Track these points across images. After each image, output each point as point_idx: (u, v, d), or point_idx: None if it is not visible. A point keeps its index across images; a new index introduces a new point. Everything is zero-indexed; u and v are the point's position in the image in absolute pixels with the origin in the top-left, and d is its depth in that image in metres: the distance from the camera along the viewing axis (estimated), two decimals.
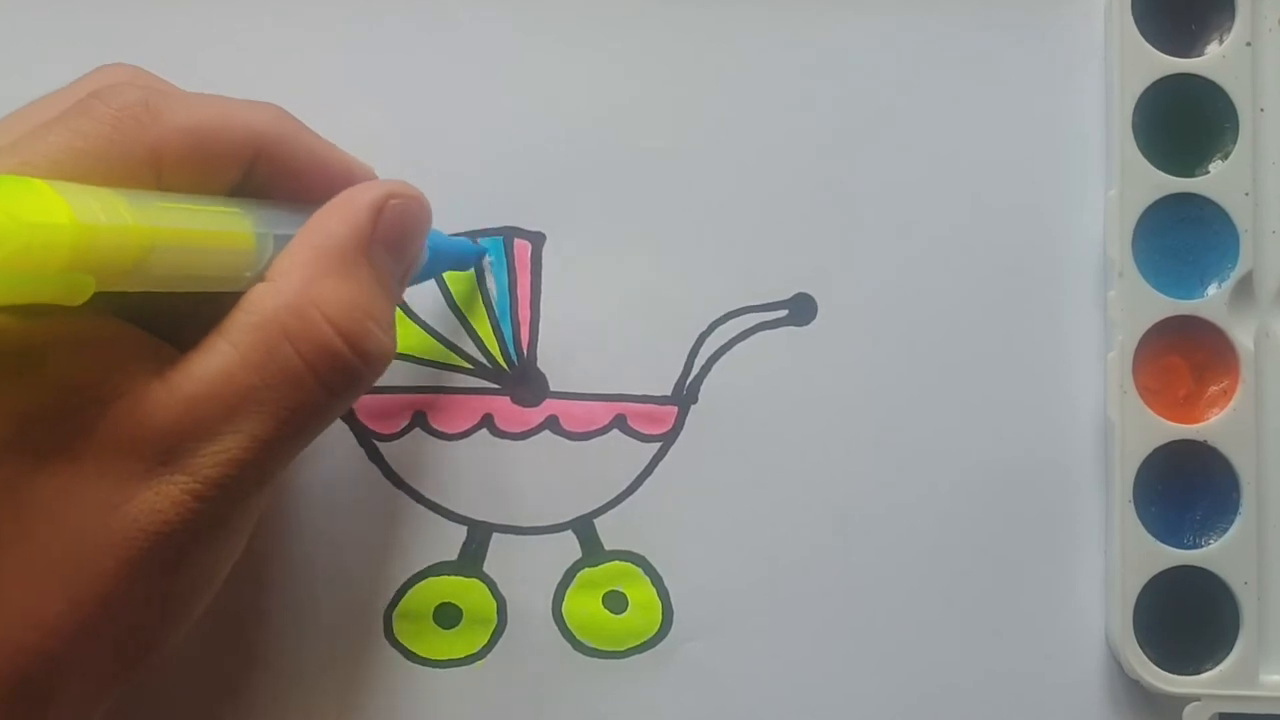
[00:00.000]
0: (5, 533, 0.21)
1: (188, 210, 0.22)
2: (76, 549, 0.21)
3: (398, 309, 0.31)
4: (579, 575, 0.31)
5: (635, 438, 0.31)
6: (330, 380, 0.23)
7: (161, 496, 0.21)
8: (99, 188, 0.20)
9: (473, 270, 0.31)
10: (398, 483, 0.31)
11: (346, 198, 0.25)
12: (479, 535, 0.31)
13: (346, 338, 0.23)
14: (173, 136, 0.22)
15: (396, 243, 0.25)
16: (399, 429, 0.31)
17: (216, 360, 0.22)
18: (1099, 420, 0.31)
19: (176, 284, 0.21)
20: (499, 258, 0.31)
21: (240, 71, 0.31)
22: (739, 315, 0.31)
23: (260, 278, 0.23)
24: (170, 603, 0.23)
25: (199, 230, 0.22)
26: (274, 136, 0.24)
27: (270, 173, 0.24)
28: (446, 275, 0.31)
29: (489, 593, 0.31)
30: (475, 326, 0.31)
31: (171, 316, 0.23)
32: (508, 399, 0.31)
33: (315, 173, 0.25)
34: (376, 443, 0.31)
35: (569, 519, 0.31)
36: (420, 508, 0.31)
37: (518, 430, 0.31)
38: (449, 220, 0.31)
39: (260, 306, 0.23)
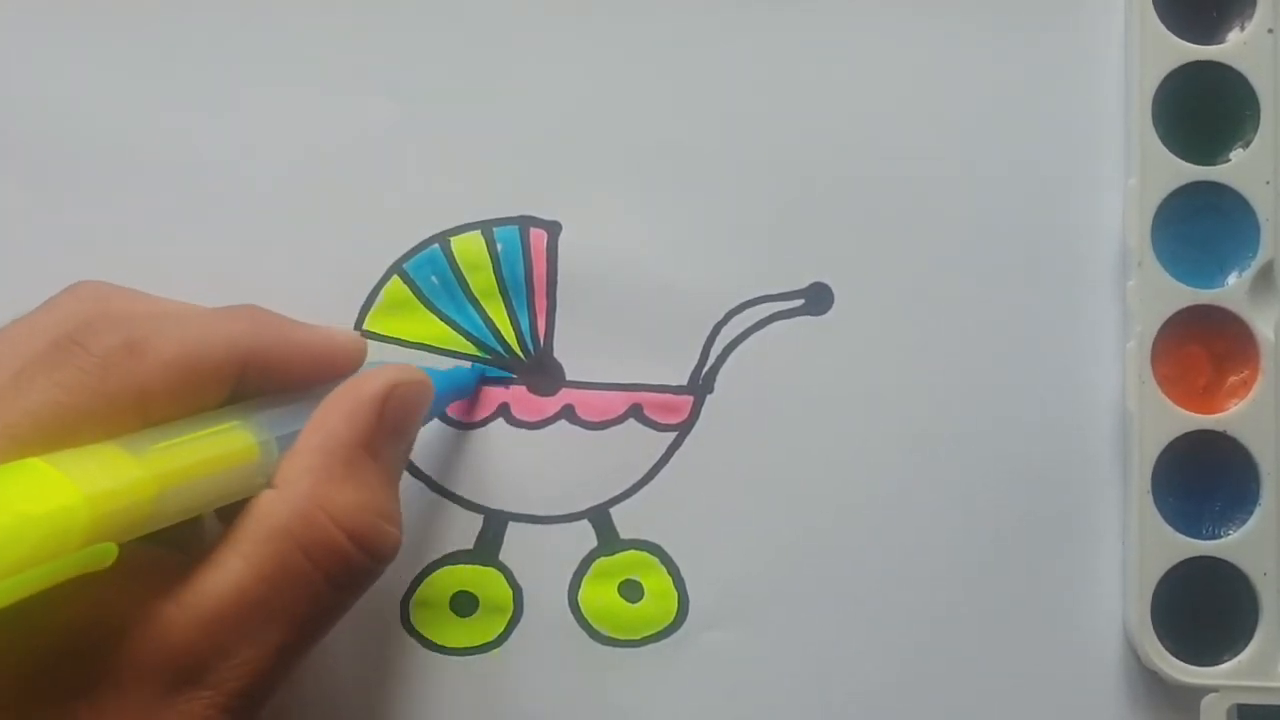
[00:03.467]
0: None
1: (189, 442, 0.22)
2: None
3: (415, 299, 0.31)
4: (595, 564, 0.31)
5: (651, 427, 0.31)
6: (342, 581, 0.23)
7: (186, 715, 0.21)
8: (95, 446, 0.20)
9: (490, 264, 0.31)
10: (414, 471, 0.31)
11: (351, 391, 0.25)
12: (495, 524, 0.31)
13: (357, 540, 0.23)
14: (159, 373, 0.22)
15: (402, 431, 0.25)
16: None
17: (229, 576, 0.22)
18: (1117, 410, 0.31)
19: (191, 512, 0.22)
20: (515, 247, 0.31)
21: (250, 67, 0.31)
22: (755, 305, 0.31)
23: (268, 483, 0.23)
24: None
25: (204, 459, 0.22)
26: (257, 342, 0.24)
27: (259, 375, 0.24)
28: (462, 262, 0.31)
29: (505, 581, 0.31)
30: (492, 316, 0.31)
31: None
32: (524, 388, 0.31)
33: (303, 361, 0.25)
34: None
35: (585, 508, 0.31)
36: (437, 496, 0.31)
37: (534, 419, 0.31)
38: (466, 210, 0.31)
39: (269, 516, 0.23)
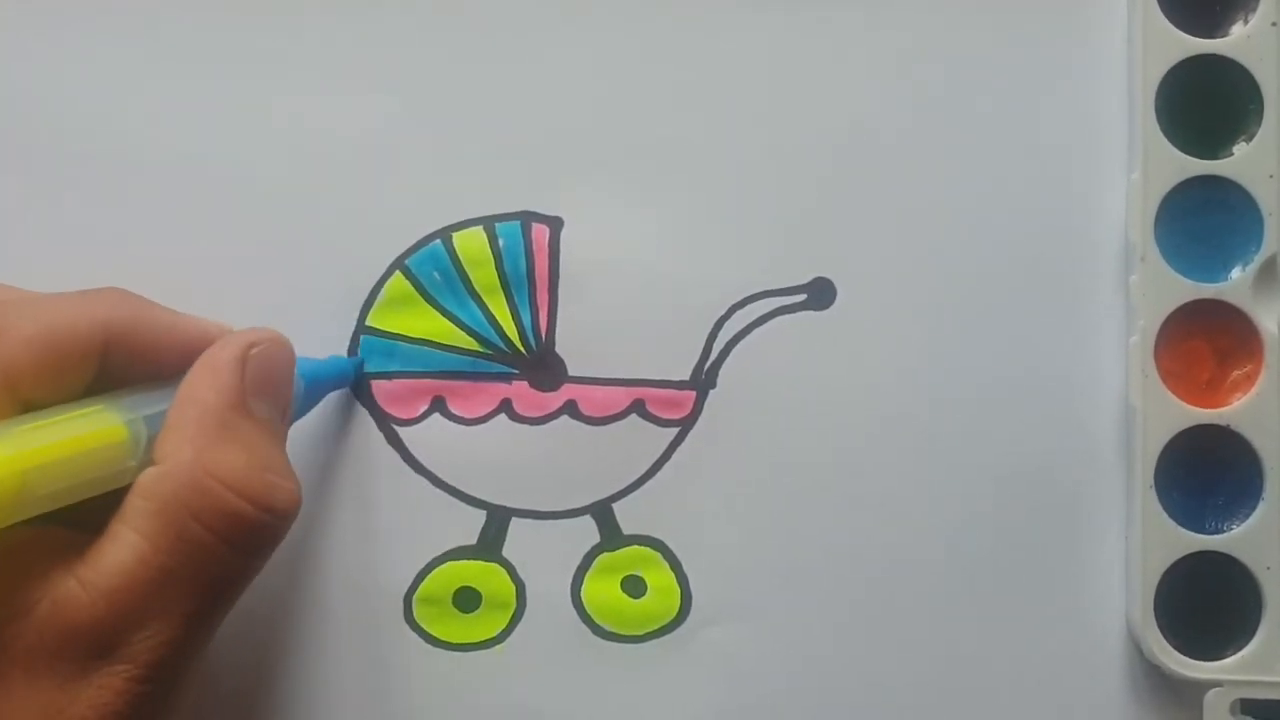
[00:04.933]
0: None
1: (54, 424, 0.22)
2: None
3: (417, 294, 0.31)
4: (598, 560, 0.31)
5: (654, 422, 0.31)
6: (244, 544, 0.23)
7: (105, 690, 0.21)
8: None
9: (492, 260, 0.31)
10: (417, 468, 0.31)
11: (208, 361, 0.25)
12: (498, 520, 0.31)
13: (252, 500, 0.23)
14: (20, 351, 0.22)
15: (267, 389, 0.25)
16: (418, 414, 0.31)
17: (127, 551, 0.22)
18: (1121, 405, 0.31)
19: (63, 497, 0.21)
20: (517, 243, 0.31)
21: (251, 64, 0.31)
22: (757, 300, 0.31)
23: (145, 463, 0.23)
24: None
25: (70, 438, 0.22)
26: (120, 322, 0.24)
27: (125, 357, 0.24)
28: (464, 258, 0.31)
29: (508, 577, 0.31)
30: (494, 311, 0.31)
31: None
32: (526, 384, 0.31)
33: (170, 345, 0.25)
34: (396, 428, 0.31)
35: (588, 503, 0.31)
36: (439, 492, 0.31)
37: (536, 415, 0.31)
38: (468, 205, 0.31)
39: (158, 491, 0.23)
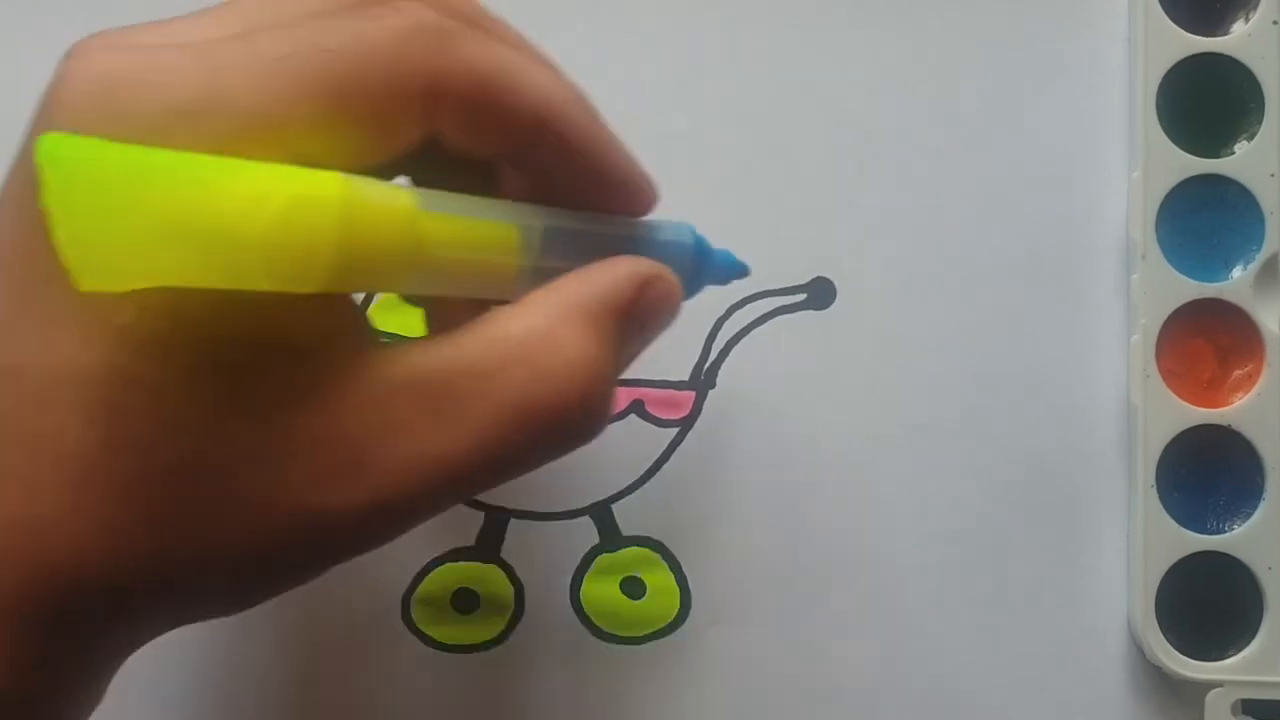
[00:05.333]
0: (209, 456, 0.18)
1: (467, 207, 0.20)
2: (254, 495, 0.19)
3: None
4: (597, 561, 0.31)
5: (653, 423, 0.31)
6: (536, 425, 0.20)
7: (321, 482, 0.19)
8: (372, 182, 0.18)
9: None
10: None
11: (614, 263, 0.22)
12: (497, 521, 0.31)
13: (581, 391, 0.20)
14: (458, 79, 0.19)
15: (644, 325, 0.22)
16: None
17: (436, 360, 0.19)
18: (1122, 405, 0.31)
19: (439, 285, 0.20)
20: None
21: None
22: (757, 299, 0.31)
23: (510, 294, 0.21)
24: (271, 588, 0.21)
25: (474, 235, 0.20)
26: (563, 111, 0.21)
27: (545, 154, 0.21)
28: None
29: (507, 578, 0.31)
30: None
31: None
32: None
33: (593, 169, 0.22)
34: None
35: (587, 504, 0.31)
36: None
37: None
38: None
39: (504, 324, 0.20)
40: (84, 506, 0.18)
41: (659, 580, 0.31)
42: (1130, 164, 0.31)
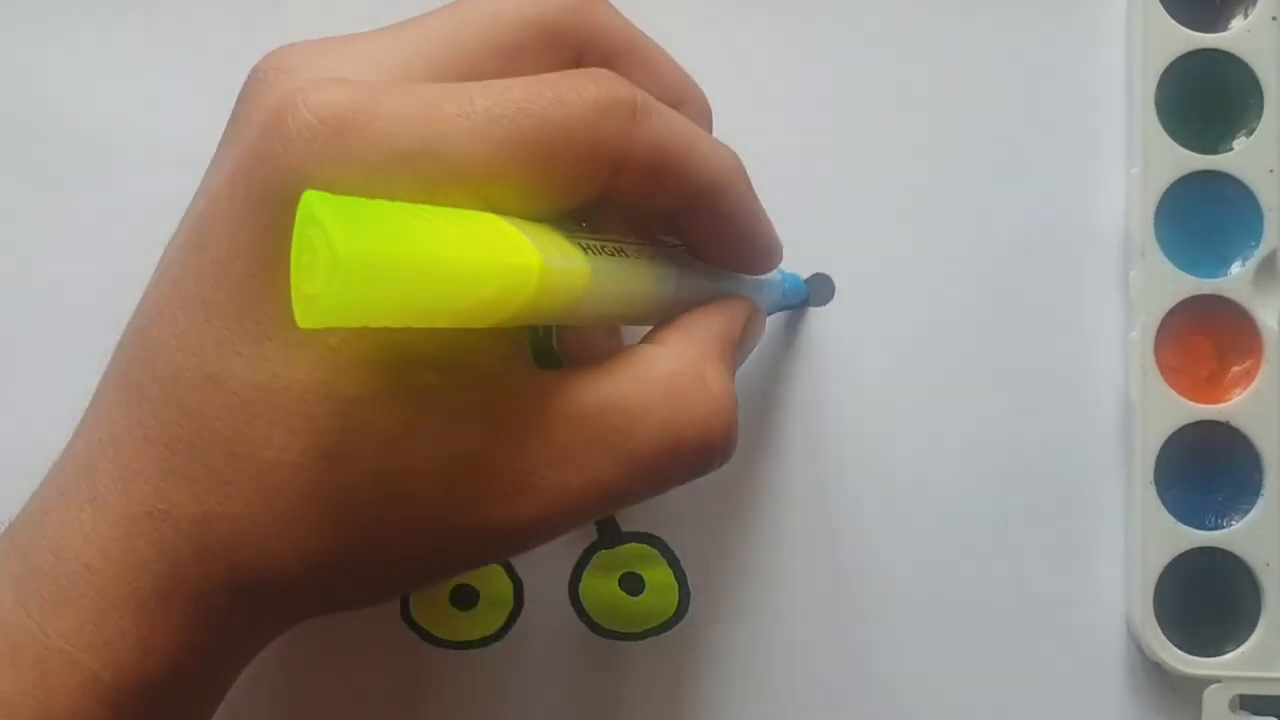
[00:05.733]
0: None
1: (619, 250, 0.22)
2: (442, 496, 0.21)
3: None
4: (596, 557, 0.31)
5: None
6: (684, 453, 0.22)
7: (505, 507, 0.21)
8: (536, 225, 0.20)
9: None
10: None
11: (728, 303, 0.25)
12: None
13: (721, 417, 0.22)
14: (643, 153, 0.21)
15: (744, 355, 0.25)
16: None
17: (596, 394, 0.21)
18: (1120, 401, 0.31)
19: (596, 318, 0.22)
20: None
21: (249, 60, 0.31)
22: None
23: (652, 327, 0.24)
24: (418, 585, 0.24)
25: (625, 272, 0.22)
26: (727, 187, 0.23)
27: (701, 217, 0.24)
28: None
29: (506, 575, 0.31)
30: None
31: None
32: None
33: (739, 238, 0.25)
34: None
35: None
36: None
37: None
38: None
39: (651, 363, 0.22)
40: (277, 510, 0.20)
41: (658, 577, 0.31)
42: (1129, 160, 0.31)
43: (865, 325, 0.31)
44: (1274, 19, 0.30)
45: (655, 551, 0.31)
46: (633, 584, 0.31)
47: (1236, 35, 0.30)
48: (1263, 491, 0.30)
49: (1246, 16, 0.31)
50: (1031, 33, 0.32)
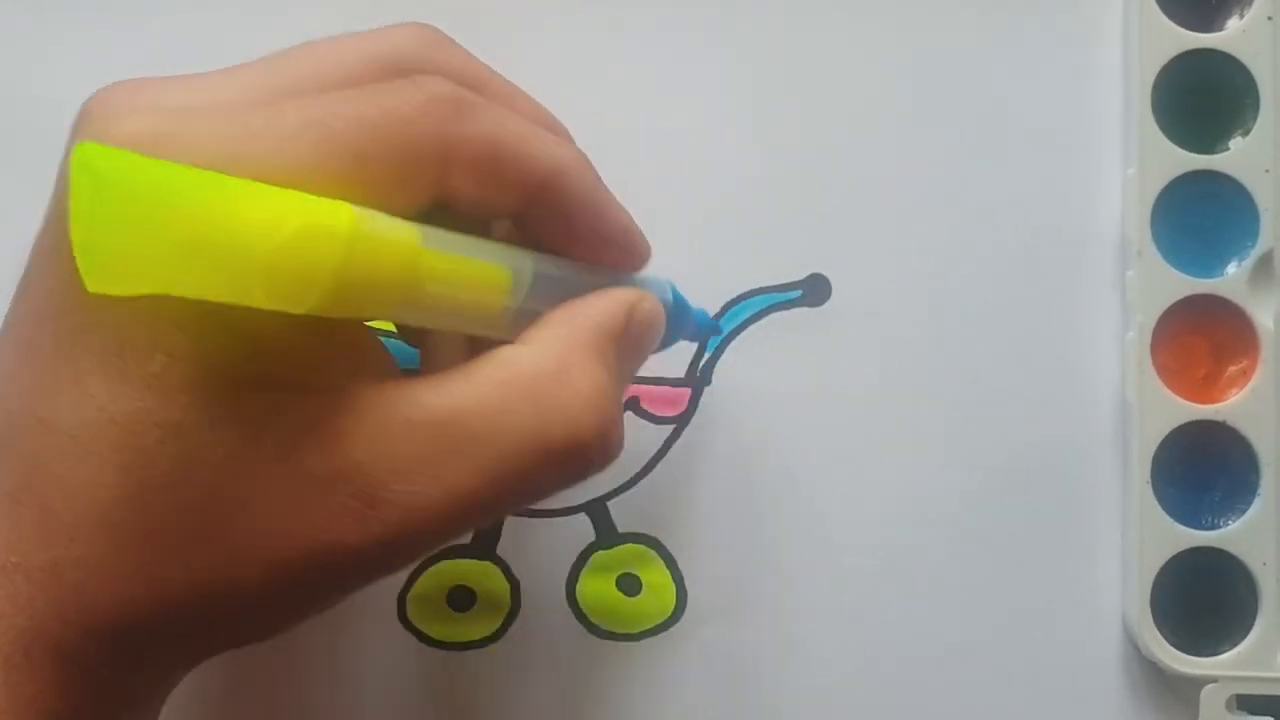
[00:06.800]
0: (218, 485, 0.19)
1: (466, 246, 0.20)
2: (261, 528, 0.19)
3: None
4: (592, 558, 0.31)
5: (649, 419, 0.31)
6: (553, 457, 0.21)
7: (337, 518, 0.20)
8: (395, 221, 0.19)
9: None
10: None
11: (602, 294, 0.23)
12: None
13: (598, 421, 0.21)
14: (471, 146, 0.21)
15: (636, 347, 0.24)
16: None
17: (449, 399, 0.20)
18: (1117, 401, 0.31)
19: (431, 317, 0.20)
20: None
21: (243, 55, 0.31)
22: (753, 296, 0.31)
23: (507, 331, 0.22)
24: (293, 616, 0.21)
25: (471, 272, 0.20)
26: (568, 176, 0.22)
27: (546, 212, 0.23)
28: None
29: (502, 576, 0.31)
30: None
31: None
32: None
33: (590, 228, 0.23)
34: None
35: (582, 501, 0.31)
36: None
37: None
38: None
39: (514, 362, 0.21)
40: (122, 549, 0.19)
41: (654, 577, 0.31)
42: (1126, 160, 0.31)
43: (862, 325, 0.31)
44: (1269, 19, 0.30)
45: (652, 552, 0.31)
46: (630, 585, 0.31)
47: (1232, 35, 0.30)
48: (1259, 491, 0.30)
49: (1242, 17, 0.31)
50: (1028, 33, 0.32)
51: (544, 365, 0.21)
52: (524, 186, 0.22)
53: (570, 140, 0.24)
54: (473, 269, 0.21)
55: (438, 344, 0.24)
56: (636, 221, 0.24)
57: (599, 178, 0.23)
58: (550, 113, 0.25)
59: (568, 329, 0.22)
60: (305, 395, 0.20)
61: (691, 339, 0.30)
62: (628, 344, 0.23)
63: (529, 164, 0.22)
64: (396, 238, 0.19)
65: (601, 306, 0.23)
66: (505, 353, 0.21)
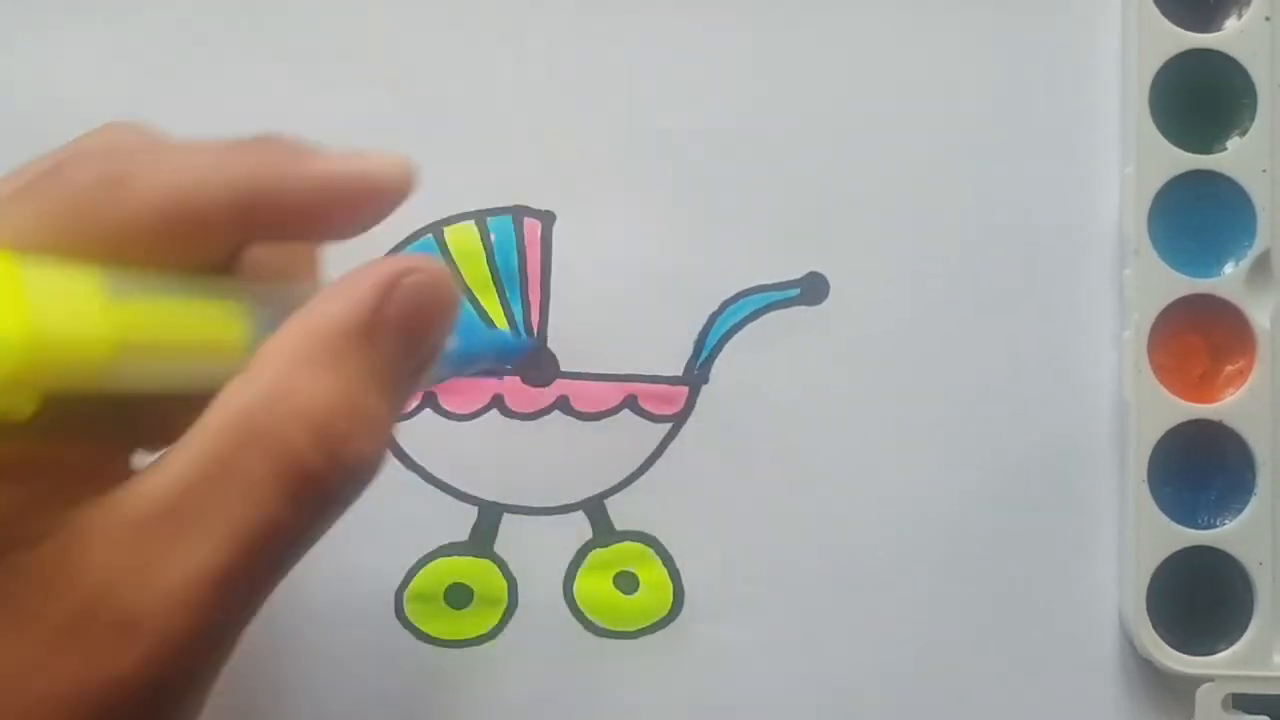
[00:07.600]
0: None
1: (174, 296, 0.18)
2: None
3: None
4: (590, 556, 0.31)
5: (646, 418, 0.31)
6: (298, 492, 0.18)
7: (96, 656, 0.17)
8: (74, 268, 0.16)
9: (483, 254, 0.31)
10: (408, 463, 0.31)
11: (351, 273, 0.20)
12: (490, 516, 0.31)
13: (321, 441, 0.18)
14: (140, 215, 0.18)
15: (411, 327, 0.20)
16: (409, 409, 0.31)
17: (166, 478, 0.18)
18: (1114, 400, 0.31)
19: (158, 382, 0.18)
20: (508, 237, 0.31)
21: (245, 58, 0.31)
22: (751, 295, 0.31)
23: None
24: None
25: (187, 320, 0.18)
26: (262, 184, 0.19)
27: (277, 226, 0.20)
28: (455, 252, 0.31)
29: (500, 573, 0.31)
30: (485, 306, 0.31)
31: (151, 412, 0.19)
32: (518, 379, 0.31)
33: (326, 199, 0.20)
34: None
35: (580, 499, 0.31)
36: (431, 488, 0.31)
37: (528, 410, 0.31)
38: (460, 199, 0.31)
39: (226, 404, 0.18)
40: None
41: (652, 575, 0.31)
42: (1123, 159, 0.31)
43: (859, 323, 0.31)
44: (1267, 19, 0.30)
45: (650, 550, 0.31)
46: (627, 583, 0.31)
47: (1230, 35, 0.30)
48: (1255, 490, 0.30)
49: (1240, 16, 0.31)
50: (1026, 33, 0.32)
51: (263, 393, 0.18)
52: (217, 223, 0.19)
53: (259, 145, 0.20)
54: (192, 312, 0.18)
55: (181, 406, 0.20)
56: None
57: (309, 152, 0.20)
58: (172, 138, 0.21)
59: (295, 338, 0.19)
60: (21, 552, 0.17)
61: (503, 363, 0.28)
62: (394, 327, 0.19)
63: (209, 198, 0.19)
64: (71, 289, 0.16)
65: (339, 299, 0.19)
66: (226, 392, 0.18)
